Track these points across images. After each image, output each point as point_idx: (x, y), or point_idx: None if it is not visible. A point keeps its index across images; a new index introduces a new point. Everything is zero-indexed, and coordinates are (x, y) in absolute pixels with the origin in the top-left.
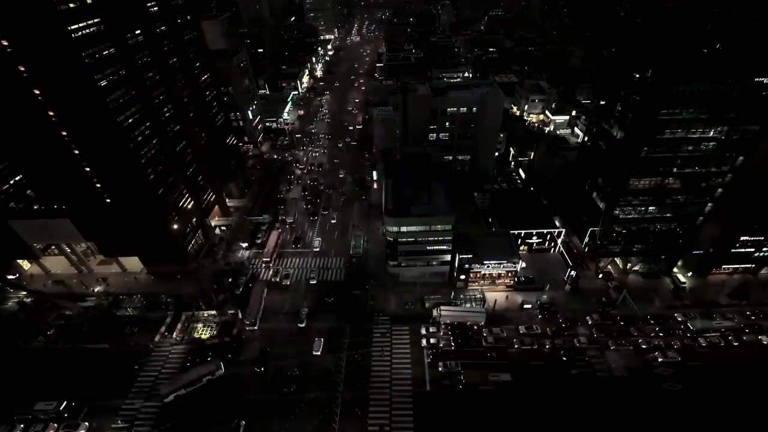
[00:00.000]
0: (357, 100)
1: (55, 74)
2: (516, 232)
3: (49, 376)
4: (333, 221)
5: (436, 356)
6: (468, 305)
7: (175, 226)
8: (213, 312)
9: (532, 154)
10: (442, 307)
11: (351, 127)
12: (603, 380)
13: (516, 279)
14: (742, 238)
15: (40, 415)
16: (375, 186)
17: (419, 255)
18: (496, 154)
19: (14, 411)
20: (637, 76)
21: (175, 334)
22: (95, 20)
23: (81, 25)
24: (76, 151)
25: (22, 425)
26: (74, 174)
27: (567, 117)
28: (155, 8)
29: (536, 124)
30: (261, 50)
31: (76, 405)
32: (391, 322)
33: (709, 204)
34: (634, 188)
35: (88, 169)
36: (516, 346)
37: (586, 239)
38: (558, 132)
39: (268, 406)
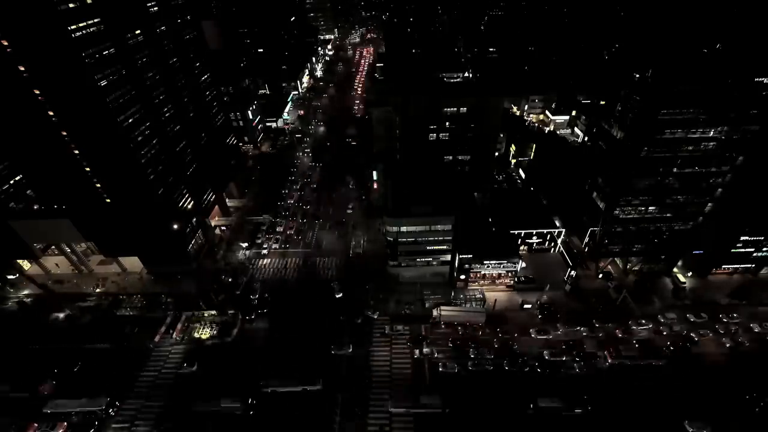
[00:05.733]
0: (357, 100)
1: (55, 74)
2: (516, 232)
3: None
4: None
5: None
6: (468, 305)
7: (175, 226)
8: (213, 312)
9: (532, 154)
10: (442, 307)
11: (351, 127)
12: None
13: (516, 279)
14: (742, 238)
15: None
16: (375, 186)
17: (419, 255)
18: (496, 154)
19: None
20: (637, 76)
21: (175, 334)
22: (95, 20)
23: (81, 25)
24: (76, 151)
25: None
26: (74, 174)
27: (567, 117)
28: (155, 8)
29: (536, 124)
30: (261, 50)
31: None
32: (392, 321)
33: (709, 204)
34: (634, 188)
35: (88, 169)
36: None
37: (586, 239)
38: (558, 132)
39: None
